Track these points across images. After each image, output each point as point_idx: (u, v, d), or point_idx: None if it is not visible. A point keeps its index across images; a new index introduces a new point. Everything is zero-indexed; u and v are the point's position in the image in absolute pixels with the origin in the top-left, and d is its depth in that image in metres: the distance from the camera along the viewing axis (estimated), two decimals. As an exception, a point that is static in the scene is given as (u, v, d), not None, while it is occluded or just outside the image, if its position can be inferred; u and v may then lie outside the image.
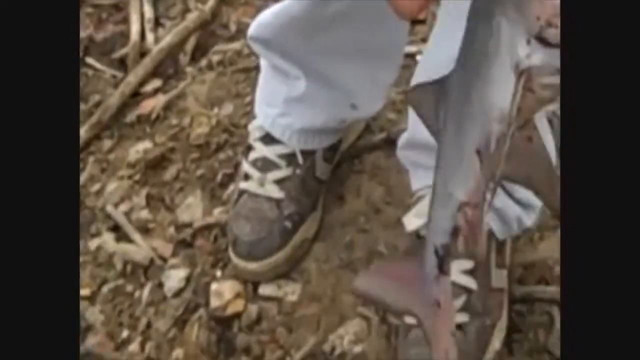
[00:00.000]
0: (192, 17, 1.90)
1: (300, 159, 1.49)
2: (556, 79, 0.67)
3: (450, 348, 0.85)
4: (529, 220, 1.39)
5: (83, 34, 1.90)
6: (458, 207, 0.76)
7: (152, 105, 1.76)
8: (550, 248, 1.48)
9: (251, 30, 1.45)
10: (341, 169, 1.59)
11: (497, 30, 0.68)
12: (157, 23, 1.93)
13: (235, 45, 1.83)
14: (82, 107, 1.76)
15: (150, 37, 1.89)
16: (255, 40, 1.45)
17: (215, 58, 1.83)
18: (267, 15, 1.42)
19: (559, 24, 0.64)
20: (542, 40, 0.65)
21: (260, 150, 1.51)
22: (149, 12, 1.93)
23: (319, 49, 1.39)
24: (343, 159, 1.59)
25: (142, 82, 1.81)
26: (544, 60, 0.66)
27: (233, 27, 1.91)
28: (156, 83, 1.81)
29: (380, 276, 0.97)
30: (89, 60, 1.87)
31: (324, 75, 1.43)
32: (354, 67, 1.41)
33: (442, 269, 0.82)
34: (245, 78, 1.77)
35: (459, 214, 0.77)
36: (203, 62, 1.84)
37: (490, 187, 0.74)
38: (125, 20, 1.93)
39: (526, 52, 0.66)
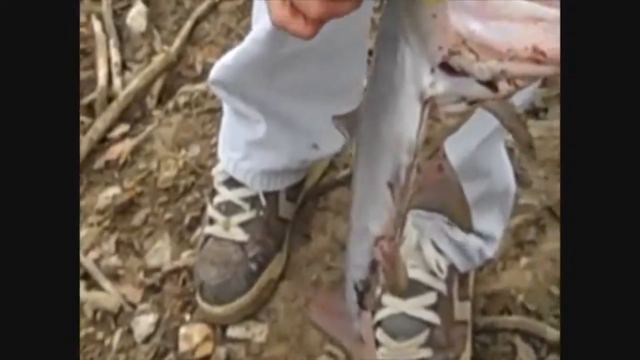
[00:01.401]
0: (158, 60, 1.94)
1: (263, 201, 1.52)
2: (461, 107, 0.68)
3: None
4: (490, 251, 1.42)
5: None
6: (374, 242, 0.78)
7: (119, 150, 1.79)
8: (512, 277, 1.51)
9: (212, 74, 1.48)
10: (306, 207, 1.62)
11: (401, 59, 0.69)
12: (123, 67, 1.96)
13: (201, 86, 1.86)
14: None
15: (117, 81, 1.92)
16: (217, 83, 1.48)
17: (181, 100, 1.87)
18: (227, 58, 1.45)
19: (462, 51, 0.64)
20: (446, 68, 0.66)
21: (224, 194, 1.54)
22: (115, 56, 1.96)
23: (279, 90, 1.41)
24: (308, 196, 1.62)
25: (110, 128, 1.84)
26: (449, 88, 0.67)
27: (199, 68, 1.95)
28: (123, 128, 1.84)
29: (320, 308, 1.01)
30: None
31: (284, 117, 1.45)
32: (313, 107, 1.44)
33: (362, 304, 0.84)
34: (212, 119, 1.80)
35: (375, 248, 0.78)
36: (169, 105, 1.87)
37: (401, 219, 0.75)
38: (93, 65, 1.97)
39: (430, 81, 0.67)
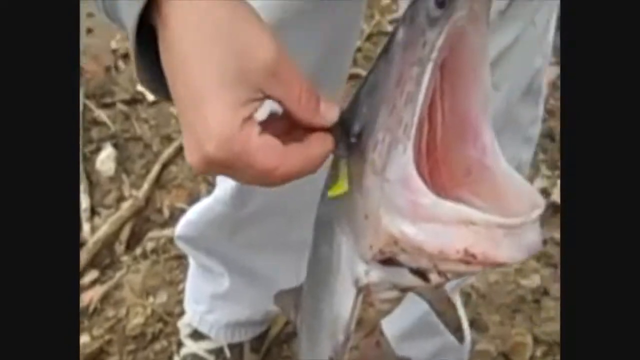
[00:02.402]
0: (126, 205, 1.99)
1: (227, 353, 1.57)
2: (394, 294, 0.72)
3: None
4: None
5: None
6: None
7: (89, 297, 1.83)
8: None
9: (178, 230, 1.53)
10: (271, 355, 1.66)
11: (337, 246, 0.72)
12: (92, 212, 2.01)
13: (168, 232, 1.90)
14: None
15: (86, 227, 1.96)
16: (182, 239, 1.53)
17: (149, 246, 1.92)
18: (192, 214, 1.50)
19: (394, 250, 0.67)
20: (386, 263, 0.69)
21: (190, 346, 1.58)
22: (84, 201, 2.01)
23: (242, 245, 1.46)
24: (272, 345, 1.66)
25: (81, 274, 1.87)
26: (382, 277, 0.70)
27: (166, 212, 2.00)
28: (93, 274, 1.88)
29: None
30: (29, 254, 1.93)
31: (247, 270, 1.50)
32: (275, 259, 1.49)
33: None
34: (179, 265, 1.85)
35: None
36: (138, 251, 1.92)
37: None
38: (63, 210, 2.00)
39: (364, 269, 0.70)
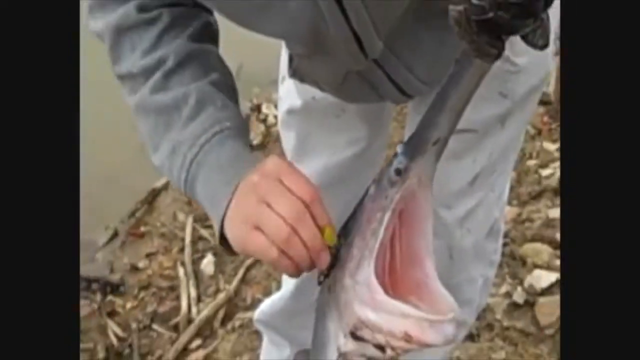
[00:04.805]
0: (221, 295, 2.27)
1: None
2: None
3: None
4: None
5: (150, 308, 2.31)
6: None
7: (195, 357, 2.10)
8: None
9: (256, 314, 1.72)
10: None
11: (327, 325, 0.82)
12: (198, 299, 2.30)
13: (250, 314, 2.09)
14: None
15: (194, 309, 2.26)
16: (258, 321, 1.72)
17: (237, 323, 2.17)
18: (264, 305, 1.69)
19: (363, 328, 0.77)
20: (354, 336, 0.79)
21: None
22: (193, 292, 2.32)
23: (299, 326, 1.57)
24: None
25: (190, 341, 2.16)
26: (355, 348, 0.80)
27: (249, 301, 2.27)
28: (198, 341, 2.16)
29: None
30: (155, 326, 2.24)
31: (302, 343, 1.58)
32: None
33: None
34: (257, 337, 2.06)
35: None
36: (229, 327, 2.17)
37: None
38: (178, 298, 2.31)
39: (343, 342, 0.81)
